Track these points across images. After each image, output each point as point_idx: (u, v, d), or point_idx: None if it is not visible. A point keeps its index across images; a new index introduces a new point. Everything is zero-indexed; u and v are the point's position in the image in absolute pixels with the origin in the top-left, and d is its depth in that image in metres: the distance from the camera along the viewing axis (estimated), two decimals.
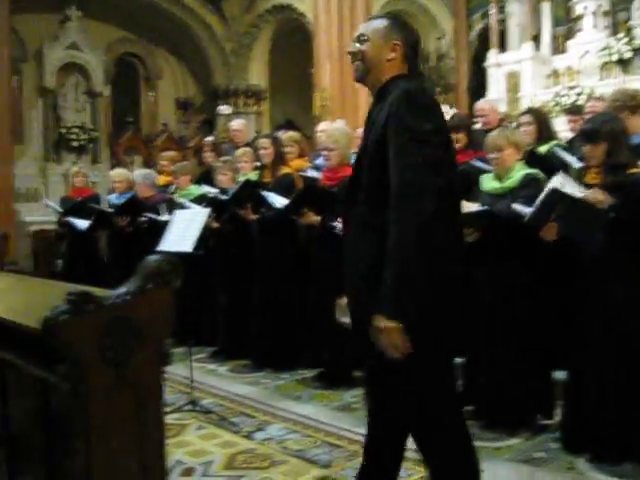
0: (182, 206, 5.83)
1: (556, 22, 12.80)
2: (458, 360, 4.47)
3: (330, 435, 4.06)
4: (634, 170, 3.47)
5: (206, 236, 5.16)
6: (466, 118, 5.21)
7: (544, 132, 4.80)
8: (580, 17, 11.70)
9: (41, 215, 11.10)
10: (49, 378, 2.02)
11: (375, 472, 2.71)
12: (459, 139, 4.96)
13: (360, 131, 7.12)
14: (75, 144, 13.42)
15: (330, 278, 4.91)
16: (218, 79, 17.75)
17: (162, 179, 7.39)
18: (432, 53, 16.06)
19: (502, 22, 13.08)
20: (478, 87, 13.83)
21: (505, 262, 3.89)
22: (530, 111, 5.12)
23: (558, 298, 4.00)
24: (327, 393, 4.87)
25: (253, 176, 5.70)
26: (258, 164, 5.82)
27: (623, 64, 10.60)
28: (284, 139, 5.80)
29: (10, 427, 2.45)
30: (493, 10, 12.89)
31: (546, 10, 12.42)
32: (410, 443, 2.64)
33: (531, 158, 4.26)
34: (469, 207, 3.95)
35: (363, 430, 4.02)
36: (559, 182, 3.44)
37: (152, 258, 2.09)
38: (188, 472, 3.60)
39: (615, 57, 10.61)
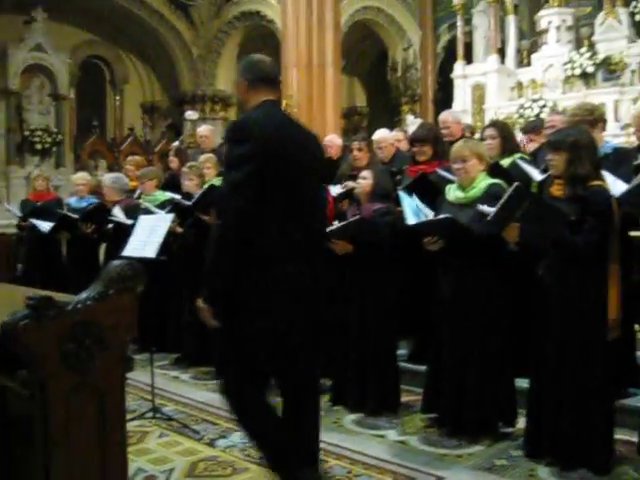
0: (147, 211, 5.78)
1: (521, 35, 13.01)
2: (421, 367, 4.53)
3: None
4: (594, 183, 3.55)
5: (169, 241, 5.12)
6: (431, 130, 5.23)
7: (508, 145, 4.86)
8: (544, 31, 11.89)
9: (1, 219, 10.91)
10: (8, 383, 1.99)
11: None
12: (424, 152, 5.01)
13: (329, 138, 7.22)
14: (39, 147, 13.23)
15: None
16: (185, 84, 17.68)
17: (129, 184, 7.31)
18: (399, 63, 16.19)
19: (468, 34, 13.24)
20: (445, 98, 13.98)
21: (468, 269, 3.94)
22: (494, 124, 5.18)
23: (520, 306, 4.06)
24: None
25: (217, 182, 5.67)
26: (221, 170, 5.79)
27: (586, 78, 10.80)
28: None
29: None
30: (459, 22, 13.04)
31: (511, 24, 12.61)
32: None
33: (494, 171, 4.32)
34: (430, 216, 4.00)
35: (325, 437, 4.03)
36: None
37: (114, 263, 2.07)
38: None
39: (578, 71, 10.81)
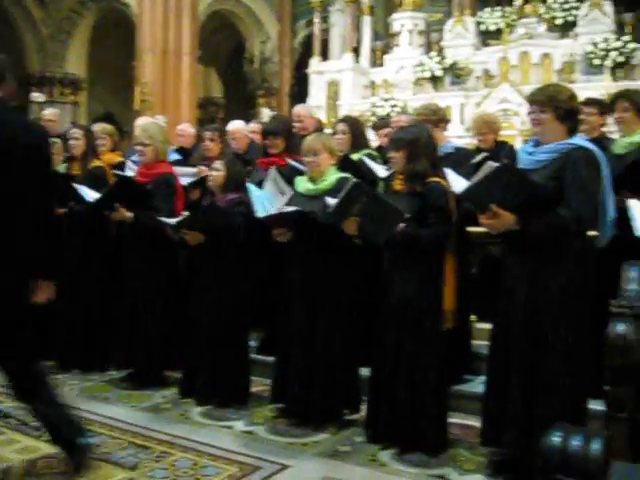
0: None
1: (376, 36, 13.35)
2: (270, 359, 4.56)
3: (137, 436, 3.95)
4: (432, 179, 3.72)
5: None
6: (284, 124, 5.25)
7: (358, 140, 5.00)
8: (397, 34, 12.28)
9: None
10: None
11: None
12: (276, 144, 5.03)
13: (181, 127, 7.10)
14: None
15: (141, 275, 4.83)
16: (33, 64, 16.78)
17: None
18: (256, 56, 16.20)
19: (326, 31, 13.44)
20: (300, 92, 14.13)
21: (316, 260, 4.01)
22: (346, 120, 5.30)
23: (365, 297, 4.19)
24: (136, 394, 4.75)
25: (61, 168, 5.42)
26: (67, 155, 5.54)
27: (434, 81, 11.23)
28: (96, 131, 5.57)
29: None
30: (317, 19, 13.20)
31: (367, 24, 12.91)
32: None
33: (345, 164, 4.42)
34: (282, 208, 4.04)
35: (172, 430, 4.02)
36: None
37: None
38: None
39: (427, 74, 11.22)
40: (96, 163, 5.31)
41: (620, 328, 2.25)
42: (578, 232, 3.21)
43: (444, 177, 3.81)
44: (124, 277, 4.97)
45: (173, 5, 12.67)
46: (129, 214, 4.78)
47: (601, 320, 3.02)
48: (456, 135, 8.55)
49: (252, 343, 5.23)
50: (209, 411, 4.40)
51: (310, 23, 15.03)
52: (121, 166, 5.63)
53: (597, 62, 9.73)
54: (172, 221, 4.48)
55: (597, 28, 10.09)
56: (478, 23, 11.60)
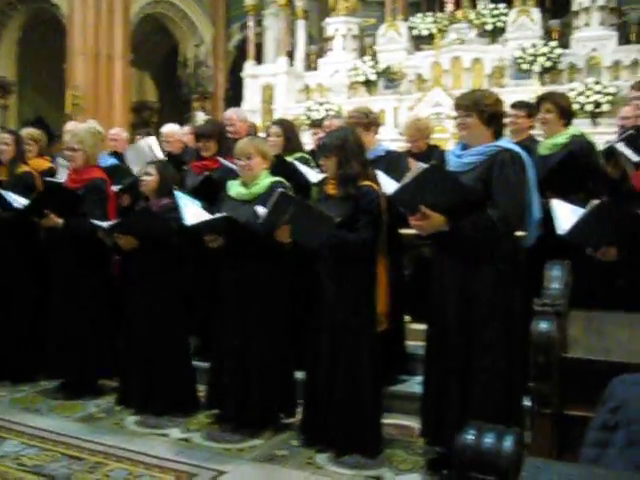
0: None
1: (310, 40, 13.41)
2: (204, 364, 4.53)
3: (70, 447, 3.87)
4: (364, 182, 3.77)
5: None
6: (216, 126, 5.24)
7: (291, 143, 5.01)
8: (331, 38, 12.36)
9: None
10: None
11: None
12: (209, 147, 5.02)
13: (114, 132, 6.98)
14: None
15: (71, 281, 4.73)
16: None
17: None
18: (190, 60, 16.06)
19: (260, 35, 13.43)
20: (235, 96, 14.07)
21: (247, 264, 4.01)
22: (279, 122, 5.32)
23: (299, 300, 4.20)
24: (69, 404, 4.65)
25: None
26: None
27: (368, 85, 11.35)
28: (23, 136, 5.44)
29: None
30: (251, 23, 13.18)
31: (301, 28, 12.95)
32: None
33: (278, 166, 4.41)
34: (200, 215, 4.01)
35: (106, 440, 3.95)
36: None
37: None
38: None
39: (362, 78, 11.33)
40: (24, 168, 5.18)
41: (543, 326, 2.32)
42: (506, 232, 3.29)
43: (375, 179, 3.86)
44: (55, 284, 4.86)
45: (104, 7, 12.49)
46: (59, 220, 4.68)
47: (529, 319, 3.10)
48: (389, 138, 8.65)
49: None
50: (144, 419, 4.34)
51: (244, 27, 14.99)
52: (50, 171, 5.51)
53: (526, 67, 9.99)
54: (105, 224, 4.40)
55: (525, 34, 10.36)
56: (411, 28, 11.77)
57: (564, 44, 10.21)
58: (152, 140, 5.97)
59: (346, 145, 3.75)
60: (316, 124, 6.00)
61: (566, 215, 3.37)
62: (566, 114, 4.46)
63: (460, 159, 3.45)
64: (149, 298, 4.41)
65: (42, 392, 4.93)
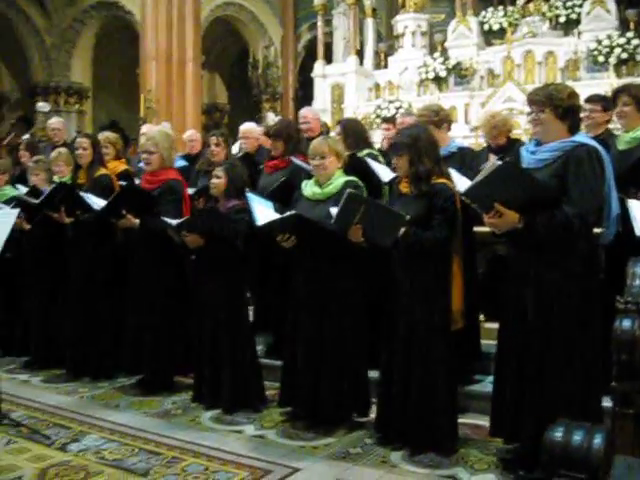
0: None
1: (379, 38, 13.38)
2: (278, 362, 4.57)
3: (148, 443, 3.97)
4: (437, 180, 3.73)
5: (16, 238, 4.88)
6: (284, 126, 5.26)
7: (356, 141, 4.95)
8: (401, 35, 12.30)
9: None
10: None
11: None
12: (277, 146, 5.07)
13: (189, 134, 7.13)
14: None
15: (150, 281, 4.85)
16: (38, 74, 16.88)
17: None
18: (260, 61, 16.25)
19: (329, 35, 13.47)
20: (305, 96, 14.16)
21: (321, 263, 4.01)
22: (340, 122, 5.30)
23: (373, 299, 4.19)
24: (146, 400, 4.77)
25: (68, 179, 5.46)
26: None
27: (439, 81, 11.26)
28: (100, 140, 5.60)
29: None
30: (320, 23, 13.25)
31: (370, 26, 12.95)
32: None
33: (352, 163, 4.39)
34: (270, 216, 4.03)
35: (183, 436, 4.03)
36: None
37: None
38: None
39: (431, 75, 11.25)
40: (102, 171, 5.34)
41: (626, 324, 2.25)
42: (582, 229, 3.20)
43: (449, 177, 3.81)
44: (131, 284, 4.99)
45: (176, 12, 12.73)
46: (136, 221, 4.80)
47: (609, 317, 3.02)
48: (461, 135, 8.56)
49: (260, 347, 5.27)
50: (219, 416, 4.40)
51: (313, 27, 15.07)
52: (126, 174, 5.66)
53: (601, 59, 9.73)
54: (173, 222, 4.50)
55: (600, 25, 10.09)
56: (481, 23, 11.62)
57: None
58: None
59: (418, 143, 3.72)
60: (387, 119, 5.96)
61: None
62: None
63: (534, 155, 3.36)
64: (215, 296, 4.48)
65: (120, 389, 5.07)
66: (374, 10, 13.06)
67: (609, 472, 1.21)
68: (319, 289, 4.02)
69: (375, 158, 4.86)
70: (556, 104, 3.27)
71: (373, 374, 4.07)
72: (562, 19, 10.78)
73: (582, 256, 3.24)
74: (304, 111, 5.92)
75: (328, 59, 12.98)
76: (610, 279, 3.47)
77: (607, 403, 3.25)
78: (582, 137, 3.36)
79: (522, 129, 8.88)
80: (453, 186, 3.77)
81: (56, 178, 5.61)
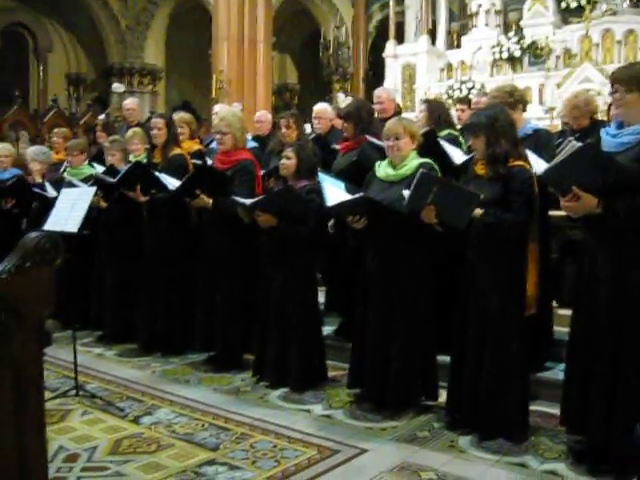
0: (70, 184, 5.63)
1: (452, 18, 13.15)
2: (347, 344, 4.57)
3: (218, 418, 4.04)
4: (515, 162, 3.64)
5: (93, 216, 5.01)
6: (354, 107, 5.20)
7: (440, 121, 4.89)
8: (474, 14, 12.06)
9: None
10: None
11: None
12: (347, 128, 5.04)
13: (260, 114, 7.16)
14: None
15: (221, 260, 4.91)
16: (113, 56, 17.24)
17: (53, 157, 7.10)
18: (331, 41, 16.17)
19: (400, 14, 13.31)
20: (376, 77, 14.05)
21: (392, 245, 3.98)
22: (425, 101, 5.24)
23: (443, 282, 4.14)
24: (216, 377, 4.85)
25: (143, 157, 5.57)
26: (147, 146, 5.69)
27: (513, 61, 11.02)
28: (175, 120, 5.69)
29: None
30: (392, 2, 13.09)
31: (442, 5, 12.73)
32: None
33: (427, 145, 4.32)
34: (349, 195, 4.01)
35: (251, 413, 4.08)
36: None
37: (31, 235, 2.01)
38: (72, 458, 3.49)
39: (505, 54, 11.02)
40: (176, 151, 5.43)
41: None
42: None
43: (526, 159, 3.72)
44: (203, 263, 5.07)
45: None
46: (209, 200, 4.86)
47: None
48: (536, 117, 8.35)
49: (329, 327, 5.29)
50: (287, 394, 4.45)
51: (384, 6, 14.90)
52: (199, 153, 5.74)
53: None
54: (247, 201, 4.53)
55: None
56: (558, 1, 11.26)
57: None
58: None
59: (496, 124, 3.62)
60: (462, 101, 5.86)
61: None
62: None
63: (616, 139, 3.22)
64: (285, 276, 4.51)
65: (191, 364, 5.18)
66: None
67: None
68: (389, 272, 3.99)
69: (456, 139, 4.79)
70: None
71: (444, 358, 4.04)
72: None
73: None
74: (379, 91, 5.86)
75: (399, 39, 12.83)
76: None
77: None
78: None
79: (600, 111, 8.59)
80: (530, 168, 3.67)
81: (132, 157, 5.74)
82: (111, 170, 5.61)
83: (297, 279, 4.50)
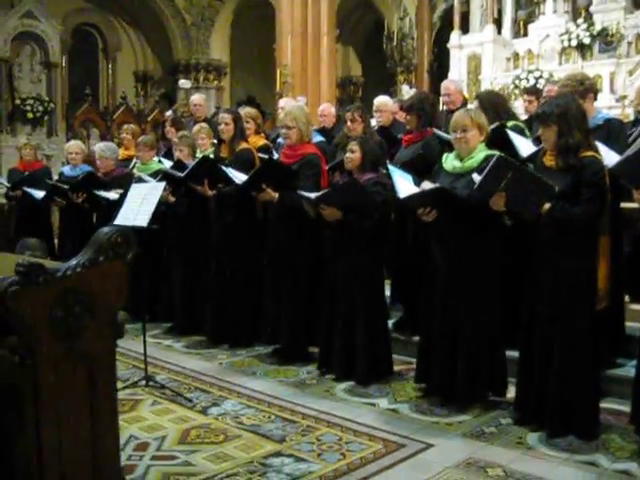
0: (140, 180, 5.77)
1: (518, 6, 12.88)
2: (409, 338, 4.56)
3: (284, 410, 4.08)
4: (586, 153, 3.54)
5: (162, 210, 5.11)
6: (417, 100, 5.13)
7: (497, 114, 4.77)
8: (541, 1, 11.80)
9: None
10: None
11: None
12: (409, 120, 4.99)
13: (323, 107, 7.17)
14: (30, 116, 13.12)
15: (286, 255, 4.95)
16: (179, 52, 17.52)
17: (122, 153, 7.28)
18: (395, 33, 16.04)
19: (465, 4, 13.11)
20: (440, 68, 13.89)
21: (461, 239, 3.92)
22: (476, 96, 5.13)
23: (512, 277, 4.07)
24: (282, 369, 4.90)
25: (210, 152, 5.65)
26: (215, 141, 5.77)
27: (582, 49, 10.73)
28: (241, 115, 5.75)
29: None
30: None
31: None
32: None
33: (495, 138, 4.24)
34: (418, 188, 3.97)
35: (317, 405, 4.10)
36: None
37: (104, 230, 2.06)
38: (142, 447, 3.58)
39: (574, 42, 10.74)
40: (243, 146, 5.49)
41: None
42: None
43: (597, 150, 3.61)
44: (269, 257, 5.12)
45: None
46: (275, 194, 4.90)
47: None
48: (606, 105, 8.12)
49: (390, 321, 5.27)
50: (352, 388, 4.45)
51: None
52: (265, 148, 5.79)
53: None
54: (312, 195, 4.55)
55: None
56: None
57: None
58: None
59: (568, 113, 3.52)
60: (530, 91, 5.71)
61: None
62: None
63: None
64: (352, 270, 4.51)
65: (257, 357, 5.24)
66: None
67: None
68: (455, 265, 3.95)
69: (521, 131, 4.67)
70: None
71: (513, 353, 3.98)
72: None
73: None
74: (446, 83, 5.78)
75: (464, 29, 12.64)
76: None
77: None
78: None
79: None
80: (601, 160, 3.57)
81: (199, 152, 5.84)
82: (179, 165, 5.72)
83: (363, 272, 4.50)
